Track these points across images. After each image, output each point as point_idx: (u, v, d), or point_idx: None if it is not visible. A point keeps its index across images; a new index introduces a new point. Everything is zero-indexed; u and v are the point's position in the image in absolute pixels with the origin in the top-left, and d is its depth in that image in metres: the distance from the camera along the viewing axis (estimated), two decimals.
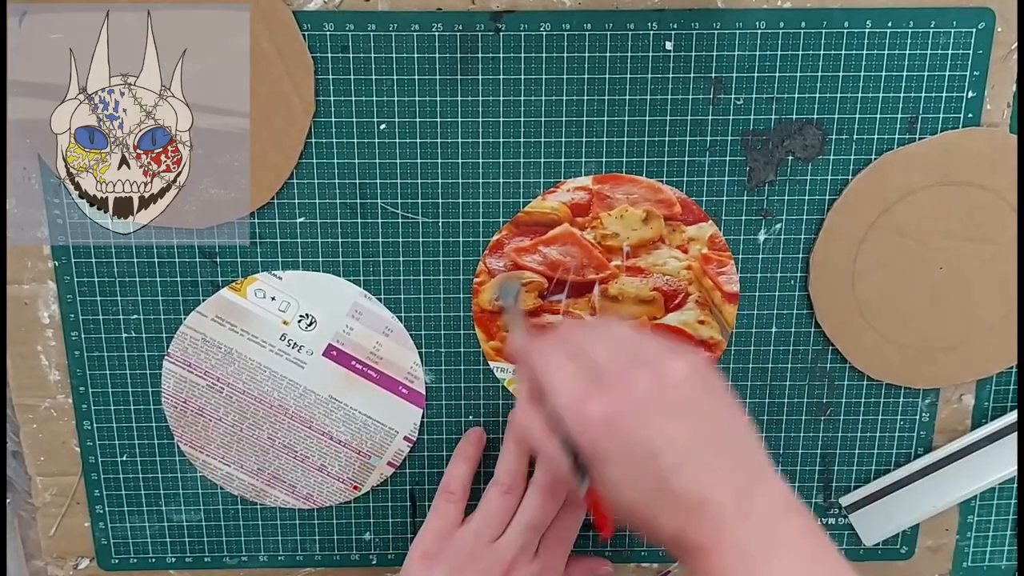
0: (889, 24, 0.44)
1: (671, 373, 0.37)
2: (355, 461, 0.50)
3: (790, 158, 0.46)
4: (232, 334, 0.48)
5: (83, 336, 0.48)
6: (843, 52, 0.45)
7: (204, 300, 0.48)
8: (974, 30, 0.45)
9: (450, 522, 0.46)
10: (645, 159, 0.46)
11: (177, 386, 0.49)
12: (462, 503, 0.47)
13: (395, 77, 0.45)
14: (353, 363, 0.49)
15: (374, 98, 0.45)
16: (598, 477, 0.38)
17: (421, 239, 0.47)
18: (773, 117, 0.46)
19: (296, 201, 0.46)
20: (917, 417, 0.51)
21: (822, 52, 0.45)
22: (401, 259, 0.48)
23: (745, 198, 0.47)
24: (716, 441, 0.37)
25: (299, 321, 0.48)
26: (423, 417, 0.50)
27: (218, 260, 0.47)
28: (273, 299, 0.48)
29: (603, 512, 0.41)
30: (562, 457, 0.39)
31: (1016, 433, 0.50)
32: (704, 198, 0.47)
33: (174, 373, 0.49)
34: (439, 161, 0.46)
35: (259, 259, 0.47)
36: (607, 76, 0.45)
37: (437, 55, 0.44)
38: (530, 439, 0.40)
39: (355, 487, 0.51)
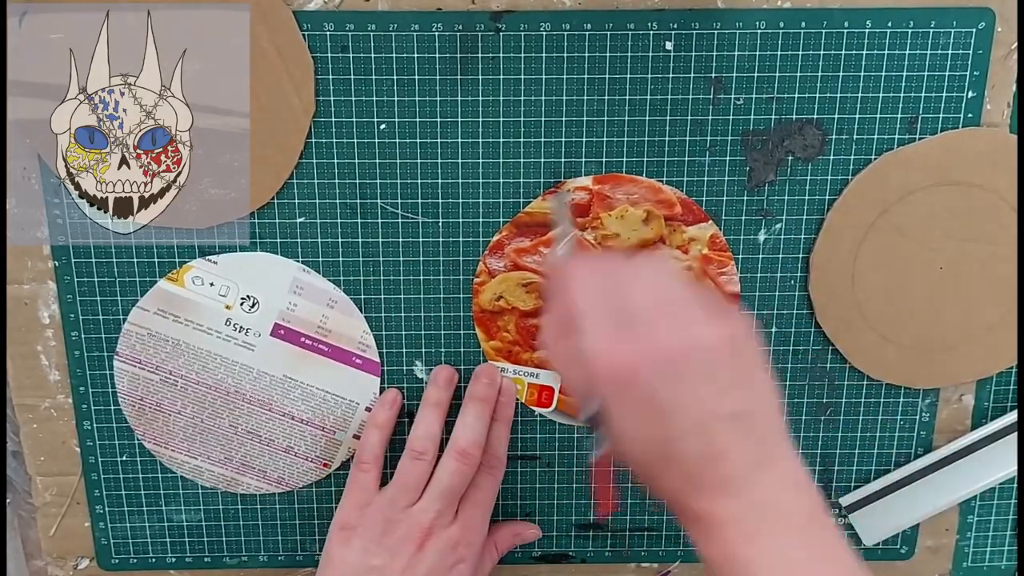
0: (889, 24, 0.44)
1: (702, 338, 0.36)
2: (320, 438, 0.50)
3: (790, 158, 0.46)
4: (177, 325, 0.48)
5: (83, 336, 0.48)
6: (843, 52, 0.45)
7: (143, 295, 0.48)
8: (974, 30, 0.45)
9: (365, 492, 0.46)
10: (645, 159, 0.46)
11: (131, 384, 0.49)
12: (375, 471, 0.47)
13: (395, 77, 0.45)
14: (302, 339, 0.49)
15: (374, 98, 0.45)
16: (610, 425, 0.37)
17: (421, 239, 0.47)
18: (773, 117, 0.46)
19: (296, 201, 0.46)
20: (917, 417, 0.51)
21: (822, 52, 0.45)
22: (401, 259, 0.48)
23: (745, 198, 0.47)
24: (733, 415, 0.36)
25: (241, 304, 0.48)
26: (382, 384, 0.50)
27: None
28: (212, 285, 0.47)
29: (606, 488, 0.39)
30: (583, 406, 0.38)
31: (1016, 433, 0.50)
32: (704, 198, 0.47)
33: (126, 372, 0.49)
34: (439, 161, 0.46)
35: None
36: (607, 76, 0.45)
37: (437, 55, 0.44)
38: (553, 365, 0.39)
39: (325, 464, 0.51)
